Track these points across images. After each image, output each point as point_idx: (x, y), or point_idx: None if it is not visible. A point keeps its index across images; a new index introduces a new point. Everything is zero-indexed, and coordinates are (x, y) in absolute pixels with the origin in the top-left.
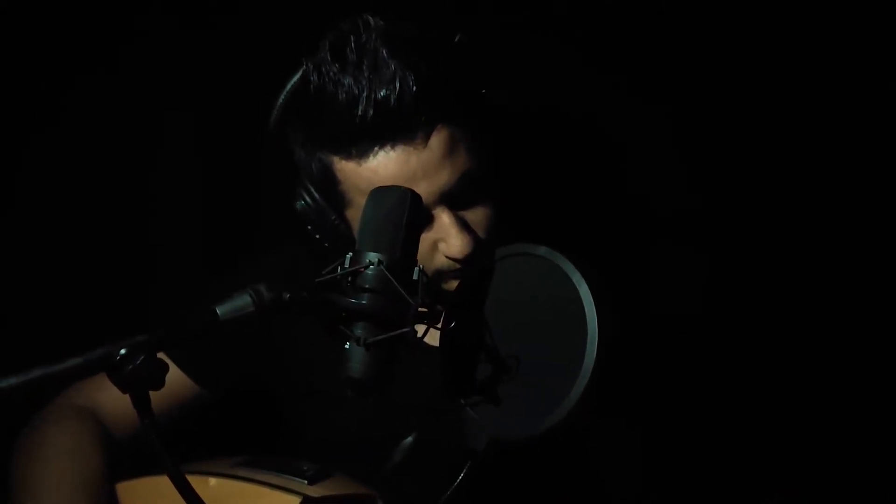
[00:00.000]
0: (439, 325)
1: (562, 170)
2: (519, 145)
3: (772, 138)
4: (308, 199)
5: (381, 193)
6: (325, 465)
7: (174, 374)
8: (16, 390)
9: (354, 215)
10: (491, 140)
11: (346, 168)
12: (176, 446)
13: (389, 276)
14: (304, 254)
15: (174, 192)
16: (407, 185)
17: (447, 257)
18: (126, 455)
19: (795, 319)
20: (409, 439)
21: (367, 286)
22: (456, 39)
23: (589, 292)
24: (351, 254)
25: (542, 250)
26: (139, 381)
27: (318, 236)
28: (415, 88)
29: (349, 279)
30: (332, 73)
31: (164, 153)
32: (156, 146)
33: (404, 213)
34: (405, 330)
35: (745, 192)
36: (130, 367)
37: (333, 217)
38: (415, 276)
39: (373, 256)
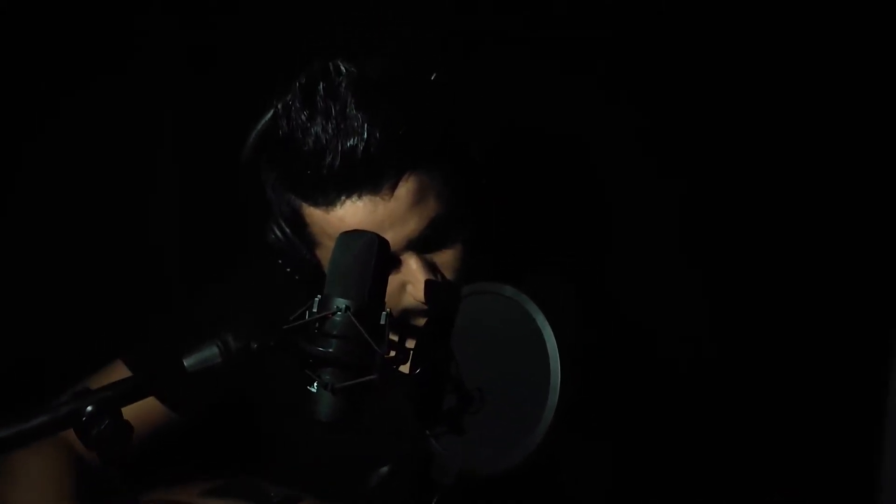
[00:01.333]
0: (406, 369)
1: (540, 195)
2: (495, 184)
3: (765, 143)
4: (279, 233)
5: (349, 239)
6: (296, 491)
7: (148, 403)
8: None
9: (324, 255)
10: (464, 182)
11: (313, 213)
12: (153, 464)
13: (356, 323)
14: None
15: (171, 193)
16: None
17: (415, 299)
18: (96, 480)
19: (791, 319)
20: (385, 469)
21: (334, 333)
22: (433, 77)
23: (552, 333)
24: (319, 298)
25: (508, 290)
26: (105, 444)
27: (288, 269)
28: (381, 140)
29: (317, 325)
30: (300, 121)
31: (162, 153)
32: (154, 146)
33: (371, 258)
34: (371, 378)
35: (721, 208)
36: (96, 431)
37: (304, 252)
38: (382, 321)
39: (341, 302)
